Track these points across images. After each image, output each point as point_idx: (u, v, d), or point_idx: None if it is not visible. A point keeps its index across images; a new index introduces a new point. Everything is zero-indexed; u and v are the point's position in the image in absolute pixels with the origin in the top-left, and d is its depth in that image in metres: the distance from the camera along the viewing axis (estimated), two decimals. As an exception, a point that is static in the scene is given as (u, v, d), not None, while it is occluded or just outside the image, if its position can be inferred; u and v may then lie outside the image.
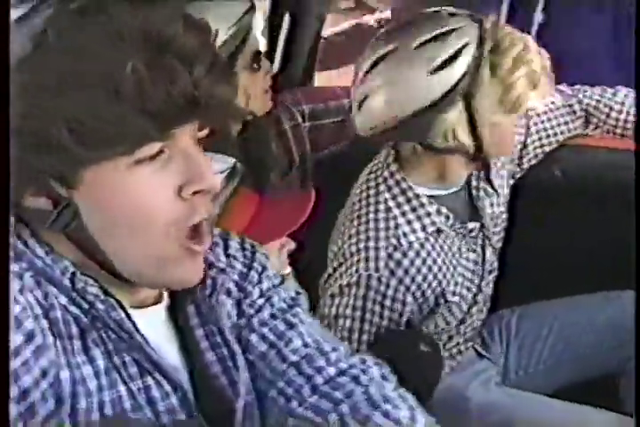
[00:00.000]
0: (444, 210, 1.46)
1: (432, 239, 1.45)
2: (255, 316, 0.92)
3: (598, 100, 1.70)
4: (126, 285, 0.82)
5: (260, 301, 0.93)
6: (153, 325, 0.84)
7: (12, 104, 0.69)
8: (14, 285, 0.74)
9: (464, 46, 1.37)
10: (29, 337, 0.72)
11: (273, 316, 0.92)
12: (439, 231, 1.46)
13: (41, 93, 0.71)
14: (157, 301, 0.87)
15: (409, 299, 1.41)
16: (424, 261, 1.43)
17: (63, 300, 0.78)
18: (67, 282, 0.78)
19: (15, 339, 0.70)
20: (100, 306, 0.79)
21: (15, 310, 0.72)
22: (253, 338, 0.91)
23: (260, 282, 0.94)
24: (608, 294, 1.67)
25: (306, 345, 0.91)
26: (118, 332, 0.79)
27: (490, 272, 1.59)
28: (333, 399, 0.86)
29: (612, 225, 1.63)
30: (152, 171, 0.76)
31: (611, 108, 1.69)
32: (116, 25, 0.71)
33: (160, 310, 0.87)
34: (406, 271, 1.41)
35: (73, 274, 0.79)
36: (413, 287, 1.42)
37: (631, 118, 1.68)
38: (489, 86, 1.37)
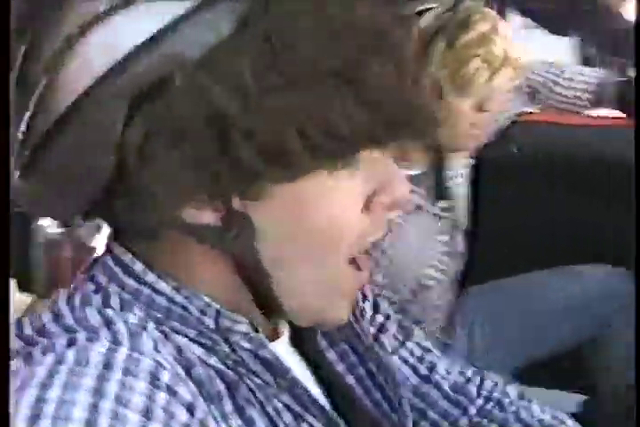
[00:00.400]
0: (417, 189, 1.42)
1: (408, 218, 1.40)
2: (381, 335, 0.82)
3: (544, 77, 1.69)
4: (260, 318, 0.67)
5: (379, 318, 0.83)
6: (286, 358, 0.68)
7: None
8: (143, 340, 0.57)
9: (427, 9, 1.32)
10: (192, 411, 0.55)
11: (397, 337, 0.83)
12: (416, 210, 1.41)
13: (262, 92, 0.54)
14: (278, 331, 0.72)
15: (379, 279, 1.35)
16: (400, 240, 1.37)
17: (198, 351, 0.61)
18: (210, 322, 0.62)
19: (180, 417, 0.54)
20: (248, 345, 0.63)
21: (164, 377, 0.55)
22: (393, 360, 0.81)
23: (364, 296, 0.83)
24: (559, 269, 1.67)
25: (448, 371, 0.84)
26: (263, 374, 0.63)
27: (461, 256, 1.56)
28: None
29: (574, 200, 1.63)
30: (341, 180, 0.60)
31: (555, 84, 1.68)
32: (347, 18, 0.56)
33: (285, 341, 0.72)
34: (383, 252, 1.35)
35: (218, 312, 0.62)
36: (392, 269, 1.36)
37: (579, 94, 1.68)
38: (443, 59, 1.33)
